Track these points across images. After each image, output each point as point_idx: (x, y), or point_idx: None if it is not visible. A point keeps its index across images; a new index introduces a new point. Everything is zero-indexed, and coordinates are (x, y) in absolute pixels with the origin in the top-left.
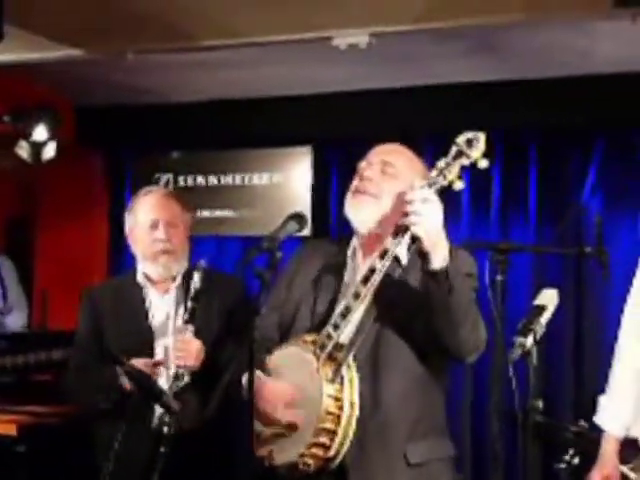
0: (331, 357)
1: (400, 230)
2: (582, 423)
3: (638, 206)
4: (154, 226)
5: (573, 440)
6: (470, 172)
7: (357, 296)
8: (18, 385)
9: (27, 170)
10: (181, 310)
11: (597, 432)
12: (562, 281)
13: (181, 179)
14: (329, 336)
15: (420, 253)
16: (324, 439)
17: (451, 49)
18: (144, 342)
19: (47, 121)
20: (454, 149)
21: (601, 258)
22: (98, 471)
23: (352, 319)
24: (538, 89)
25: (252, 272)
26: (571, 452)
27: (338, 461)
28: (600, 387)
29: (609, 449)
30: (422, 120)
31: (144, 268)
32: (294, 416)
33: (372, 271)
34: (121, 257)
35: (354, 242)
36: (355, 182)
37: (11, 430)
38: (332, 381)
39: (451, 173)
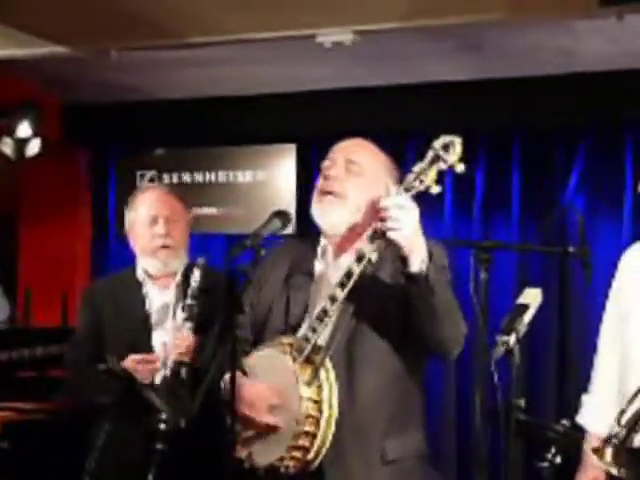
0: (309, 360)
1: (376, 235)
2: (564, 422)
3: (621, 205)
4: (154, 221)
5: (555, 439)
6: (453, 171)
7: (334, 300)
8: (1, 382)
9: (10, 168)
10: (180, 307)
11: (579, 431)
12: (545, 280)
13: (165, 176)
14: (307, 339)
15: (399, 257)
16: (304, 441)
17: (436, 48)
18: (142, 338)
19: (31, 118)
20: (431, 153)
21: (584, 257)
22: (83, 468)
23: (329, 322)
24: (522, 88)
25: (236, 269)
26: (553, 451)
27: (317, 462)
28: (583, 386)
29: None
30: (406, 118)
31: (143, 264)
32: (273, 419)
33: (348, 276)
34: (104, 255)
35: (323, 241)
36: (319, 182)
37: None
38: (310, 384)
39: (428, 177)
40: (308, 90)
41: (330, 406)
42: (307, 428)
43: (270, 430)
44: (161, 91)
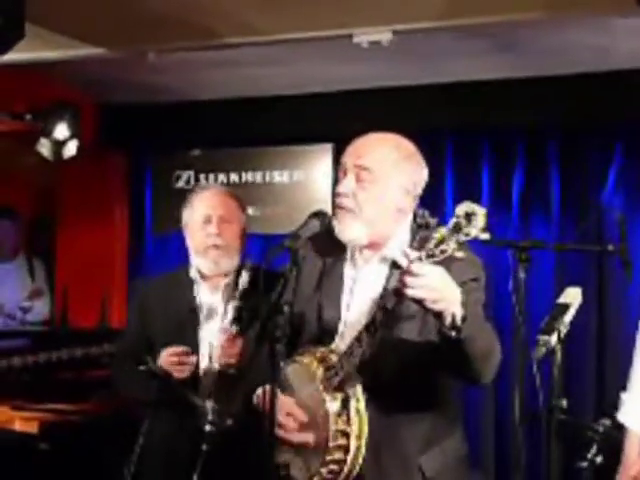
0: (339, 389)
1: (399, 294)
2: (605, 421)
3: None
4: (207, 221)
5: (596, 439)
6: (491, 170)
7: (360, 340)
8: (40, 383)
9: (48, 169)
10: (229, 308)
11: (620, 431)
12: (584, 279)
13: (202, 177)
14: (341, 365)
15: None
16: (334, 466)
17: (473, 47)
18: (188, 337)
19: (68, 119)
20: (453, 220)
21: (623, 256)
22: (122, 469)
23: (359, 351)
24: (559, 86)
25: (275, 270)
26: (593, 451)
27: None
28: (622, 385)
29: (633, 448)
30: (443, 117)
31: (196, 262)
32: (304, 437)
33: (374, 323)
34: (141, 255)
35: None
36: (335, 194)
37: (33, 428)
38: (340, 415)
39: (449, 247)
40: (344, 90)
41: (359, 437)
42: (336, 456)
43: (303, 446)
44: (197, 92)
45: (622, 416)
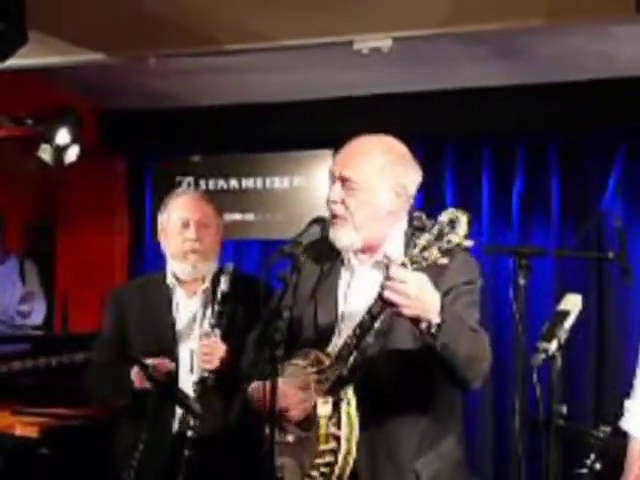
0: (331, 392)
1: (384, 301)
2: (604, 428)
3: None
4: (185, 225)
5: (595, 445)
6: (492, 176)
7: (353, 345)
8: (40, 387)
9: (49, 173)
10: (208, 313)
11: (619, 437)
12: (584, 285)
13: (202, 182)
14: (333, 368)
15: (410, 319)
16: (324, 469)
17: (473, 53)
18: (167, 343)
19: (69, 124)
20: (437, 228)
21: (623, 263)
22: (119, 474)
23: (352, 357)
24: (559, 93)
25: (274, 276)
26: (593, 457)
27: None
28: (621, 392)
29: (635, 456)
30: (444, 124)
31: (173, 267)
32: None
33: (362, 327)
34: (141, 260)
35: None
36: (327, 197)
37: (33, 432)
38: (330, 418)
39: (432, 254)
40: (345, 96)
41: (349, 440)
42: (327, 459)
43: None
44: (198, 98)
45: (625, 423)
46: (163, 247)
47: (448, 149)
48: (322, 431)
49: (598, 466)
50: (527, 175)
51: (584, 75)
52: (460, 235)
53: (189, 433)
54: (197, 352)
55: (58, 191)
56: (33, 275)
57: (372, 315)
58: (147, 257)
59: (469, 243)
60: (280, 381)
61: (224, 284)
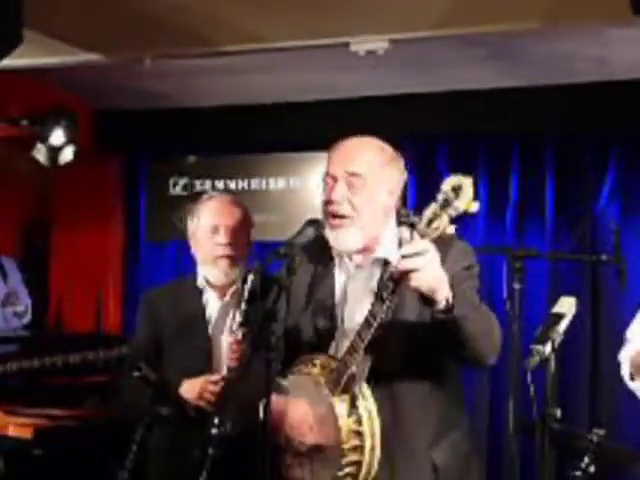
0: (346, 390)
1: (397, 280)
2: (598, 431)
3: None
4: (215, 230)
5: (589, 448)
6: (487, 178)
7: (361, 338)
8: (34, 388)
9: (44, 173)
10: (236, 313)
11: (613, 441)
12: (578, 288)
13: (197, 184)
14: (345, 365)
15: (422, 298)
16: (351, 469)
17: (469, 55)
18: (201, 346)
19: (65, 125)
20: (441, 197)
21: (618, 266)
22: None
23: (360, 353)
24: (555, 96)
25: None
26: (587, 460)
27: None
28: (616, 395)
29: None
30: (439, 125)
31: (204, 272)
32: (319, 438)
33: (373, 316)
34: (136, 260)
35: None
36: (326, 203)
37: (27, 433)
38: (350, 415)
39: (441, 223)
40: (341, 98)
41: (372, 435)
42: (352, 458)
43: (317, 450)
44: (194, 98)
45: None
46: (193, 252)
47: (443, 151)
48: (344, 429)
49: (592, 469)
50: (522, 177)
51: (579, 78)
52: (466, 200)
53: (214, 431)
54: (223, 350)
55: (53, 191)
56: (15, 273)
57: (382, 300)
58: (142, 257)
59: (476, 207)
60: (286, 400)
61: (251, 283)
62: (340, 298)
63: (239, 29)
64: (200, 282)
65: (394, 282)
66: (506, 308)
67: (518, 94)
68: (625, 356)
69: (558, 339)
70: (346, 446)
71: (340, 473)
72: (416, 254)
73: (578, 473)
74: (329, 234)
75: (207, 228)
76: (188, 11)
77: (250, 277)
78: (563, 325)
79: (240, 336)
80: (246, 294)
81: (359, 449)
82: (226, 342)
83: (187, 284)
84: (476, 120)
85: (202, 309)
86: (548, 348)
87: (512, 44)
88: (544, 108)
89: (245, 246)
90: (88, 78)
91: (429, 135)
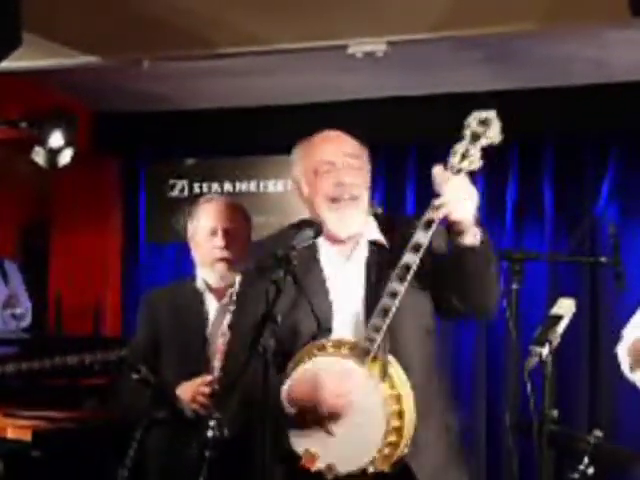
0: (375, 359)
1: (431, 222)
2: (597, 433)
3: None
4: (213, 233)
5: (588, 450)
6: (485, 180)
7: (394, 295)
8: (33, 390)
9: (43, 175)
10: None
11: (612, 442)
12: (576, 290)
13: (196, 186)
14: (372, 339)
15: (453, 232)
16: (393, 437)
17: (467, 57)
18: (199, 348)
19: (63, 127)
20: (468, 132)
21: (617, 268)
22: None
23: (389, 318)
24: (553, 98)
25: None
26: (585, 462)
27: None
28: (615, 396)
29: None
30: (437, 128)
31: (203, 274)
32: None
33: (407, 268)
34: (135, 262)
35: (325, 246)
36: (329, 187)
37: (26, 435)
38: (383, 380)
39: (475, 157)
40: (338, 100)
41: (408, 397)
42: (394, 423)
43: (334, 418)
44: (192, 101)
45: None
46: (192, 253)
47: (442, 153)
48: (383, 395)
49: (591, 471)
50: (521, 179)
51: (578, 80)
52: (497, 131)
53: (210, 434)
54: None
55: (52, 193)
56: (16, 276)
57: (417, 248)
58: (141, 259)
59: (501, 137)
60: (315, 372)
61: (237, 284)
62: (334, 288)
63: (237, 31)
64: (199, 284)
65: (429, 226)
66: (505, 310)
67: (517, 96)
68: (623, 348)
69: (556, 340)
70: (386, 411)
71: (383, 442)
72: (457, 189)
73: (576, 475)
74: (332, 220)
75: (205, 231)
76: (186, 13)
77: (237, 278)
78: (562, 326)
79: (229, 336)
80: (234, 296)
81: (397, 414)
82: (216, 343)
83: (187, 286)
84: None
85: (201, 311)
86: (547, 349)
87: (510, 46)
88: (543, 110)
89: (244, 249)
90: (87, 80)
91: (427, 137)
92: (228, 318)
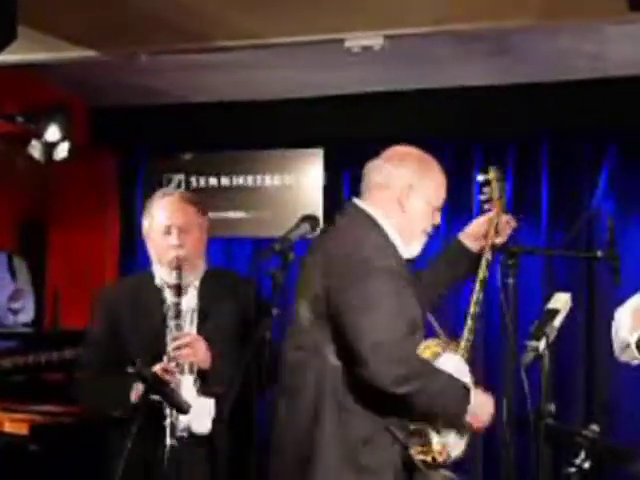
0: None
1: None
2: (593, 427)
3: None
4: (167, 232)
5: (584, 444)
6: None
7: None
8: (30, 384)
9: (40, 170)
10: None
11: (608, 437)
12: (573, 285)
13: (193, 180)
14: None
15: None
16: None
17: (465, 52)
18: (160, 343)
19: (60, 121)
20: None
21: (613, 262)
22: (110, 472)
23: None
24: (551, 93)
25: (264, 273)
26: (582, 456)
27: None
28: (611, 390)
29: None
30: (434, 123)
31: (160, 272)
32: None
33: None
34: (133, 257)
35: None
36: (431, 223)
37: (23, 429)
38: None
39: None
40: (335, 94)
41: None
42: None
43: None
44: (189, 95)
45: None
46: (149, 251)
47: (439, 149)
48: None
49: (587, 465)
50: (517, 173)
51: (575, 74)
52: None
53: (179, 433)
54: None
55: (49, 188)
56: (23, 271)
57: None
58: (138, 254)
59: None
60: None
61: (179, 277)
62: None
63: (234, 25)
64: (158, 281)
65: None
66: (501, 305)
67: (513, 91)
68: (625, 310)
69: (553, 335)
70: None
71: None
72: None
73: (573, 469)
74: (418, 247)
75: (160, 229)
76: (183, 7)
77: (184, 273)
78: (558, 321)
79: (193, 332)
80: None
81: None
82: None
83: (145, 280)
84: (471, 117)
85: (160, 306)
86: (543, 344)
87: (508, 41)
88: (540, 105)
89: (200, 245)
90: (83, 74)
91: (424, 133)
92: (190, 314)
